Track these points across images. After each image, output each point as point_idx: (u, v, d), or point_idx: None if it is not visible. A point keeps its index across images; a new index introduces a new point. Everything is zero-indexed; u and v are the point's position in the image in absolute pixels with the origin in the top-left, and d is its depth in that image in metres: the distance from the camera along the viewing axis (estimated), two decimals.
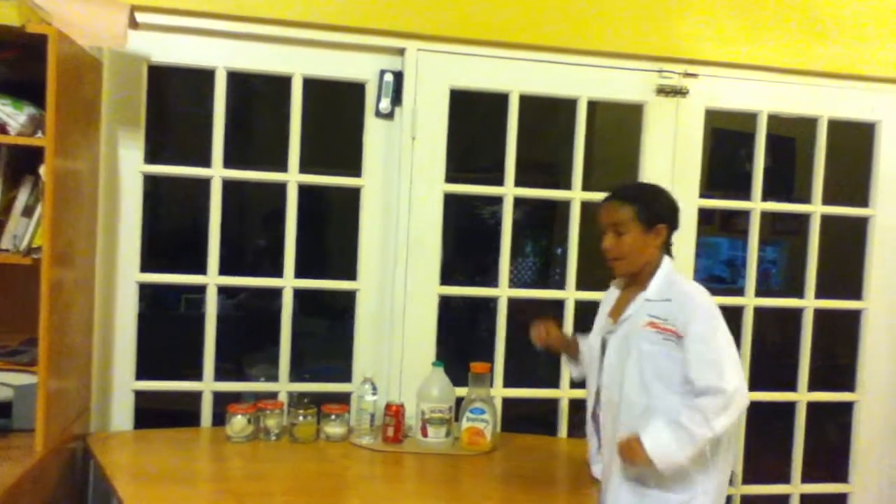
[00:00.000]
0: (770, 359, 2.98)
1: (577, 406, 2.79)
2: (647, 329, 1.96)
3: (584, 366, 2.24)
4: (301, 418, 2.42)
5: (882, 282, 2.90)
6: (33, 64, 1.93)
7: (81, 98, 2.16)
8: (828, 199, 2.87)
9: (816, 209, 2.87)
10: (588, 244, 2.77)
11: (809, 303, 2.87)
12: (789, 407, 2.90)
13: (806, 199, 2.89)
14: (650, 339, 1.96)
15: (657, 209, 2.03)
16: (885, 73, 2.80)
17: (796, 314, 2.88)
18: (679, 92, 2.70)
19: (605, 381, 2.07)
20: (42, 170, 1.94)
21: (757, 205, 2.82)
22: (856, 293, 2.93)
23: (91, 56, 2.24)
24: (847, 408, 2.96)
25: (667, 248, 2.06)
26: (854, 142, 2.98)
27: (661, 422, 1.90)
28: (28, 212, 2.05)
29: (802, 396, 2.89)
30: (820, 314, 2.89)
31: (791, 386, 2.89)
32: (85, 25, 2.08)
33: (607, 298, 2.20)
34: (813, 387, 2.90)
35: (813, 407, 2.91)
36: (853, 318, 2.94)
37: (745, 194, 2.82)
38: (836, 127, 2.85)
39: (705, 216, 2.83)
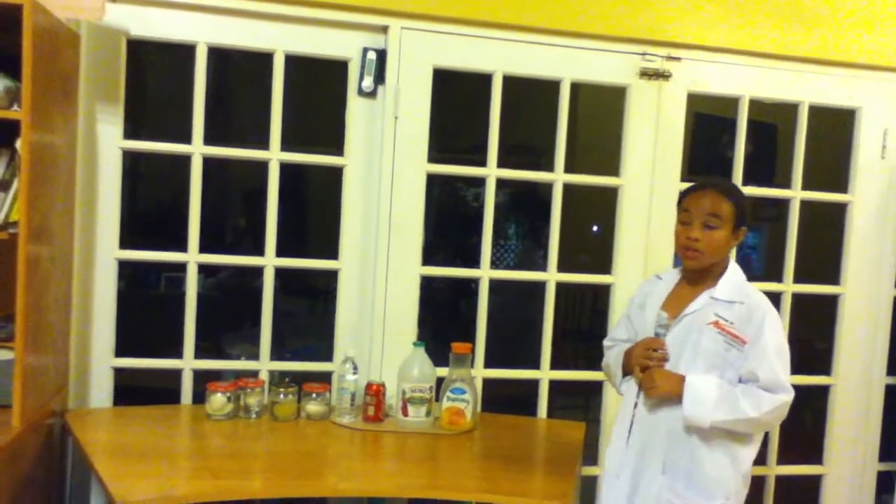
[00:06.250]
0: None
1: (557, 387, 2.82)
2: (711, 328, 1.94)
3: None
4: (282, 397, 2.43)
5: (859, 267, 2.94)
6: (8, 35, 1.89)
7: (58, 71, 2.13)
8: (808, 185, 2.89)
9: (796, 195, 2.89)
10: (570, 227, 2.79)
11: (788, 287, 2.90)
12: None
13: (786, 184, 2.91)
14: (712, 338, 1.94)
15: (746, 211, 2.00)
16: (865, 59, 2.81)
17: (775, 298, 2.90)
18: (662, 75, 2.70)
19: None
20: (18, 143, 1.91)
21: None
22: (834, 278, 2.96)
23: (68, 28, 2.21)
24: (823, 391, 3.01)
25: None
26: (834, 128, 3.00)
27: (715, 378, 1.92)
28: (4, 186, 2.03)
29: None
30: (798, 299, 2.92)
31: None
32: None
33: (654, 290, 2.12)
34: (790, 370, 2.93)
35: None
36: (831, 303, 2.97)
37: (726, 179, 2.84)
38: (817, 113, 2.87)
39: None
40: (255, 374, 2.58)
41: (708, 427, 1.90)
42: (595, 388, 2.87)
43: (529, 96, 2.86)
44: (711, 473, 1.94)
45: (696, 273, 2.03)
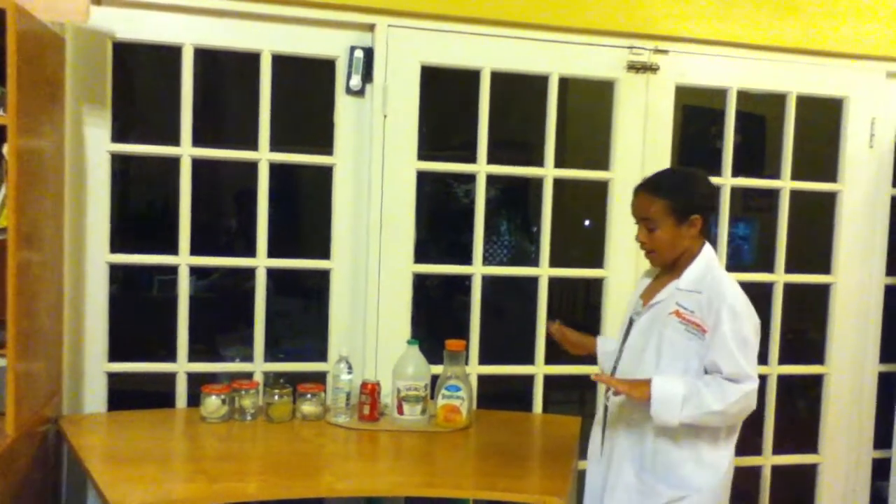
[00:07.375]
0: None
1: (552, 382, 2.82)
2: (672, 317, 1.94)
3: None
4: (276, 398, 2.42)
5: (850, 256, 2.95)
6: None
7: (44, 75, 2.12)
8: (797, 175, 2.90)
9: (786, 185, 2.90)
10: (562, 222, 2.79)
11: (779, 277, 2.91)
12: (760, 380, 2.93)
13: (775, 174, 2.92)
14: (674, 327, 1.94)
15: (690, 200, 1.96)
16: (852, 49, 2.82)
17: (767, 289, 2.92)
18: (649, 68, 2.70)
19: (623, 360, 2.07)
20: (5, 149, 1.90)
21: (727, 181, 2.84)
22: (825, 268, 2.97)
23: (52, 32, 2.19)
24: (817, 380, 3.02)
25: (704, 232, 2.00)
26: (822, 118, 3.01)
27: (679, 377, 1.90)
28: None
29: (773, 370, 2.93)
30: (790, 289, 2.93)
31: (762, 359, 2.93)
32: None
33: (646, 277, 2.17)
34: (783, 360, 2.95)
35: (783, 380, 2.96)
36: (822, 292, 2.98)
37: (715, 171, 2.84)
38: (805, 103, 2.88)
39: None
40: (249, 375, 2.58)
41: (677, 426, 1.88)
42: (590, 382, 2.85)
43: (518, 92, 2.86)
44: (675, 467, 1.95)
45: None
